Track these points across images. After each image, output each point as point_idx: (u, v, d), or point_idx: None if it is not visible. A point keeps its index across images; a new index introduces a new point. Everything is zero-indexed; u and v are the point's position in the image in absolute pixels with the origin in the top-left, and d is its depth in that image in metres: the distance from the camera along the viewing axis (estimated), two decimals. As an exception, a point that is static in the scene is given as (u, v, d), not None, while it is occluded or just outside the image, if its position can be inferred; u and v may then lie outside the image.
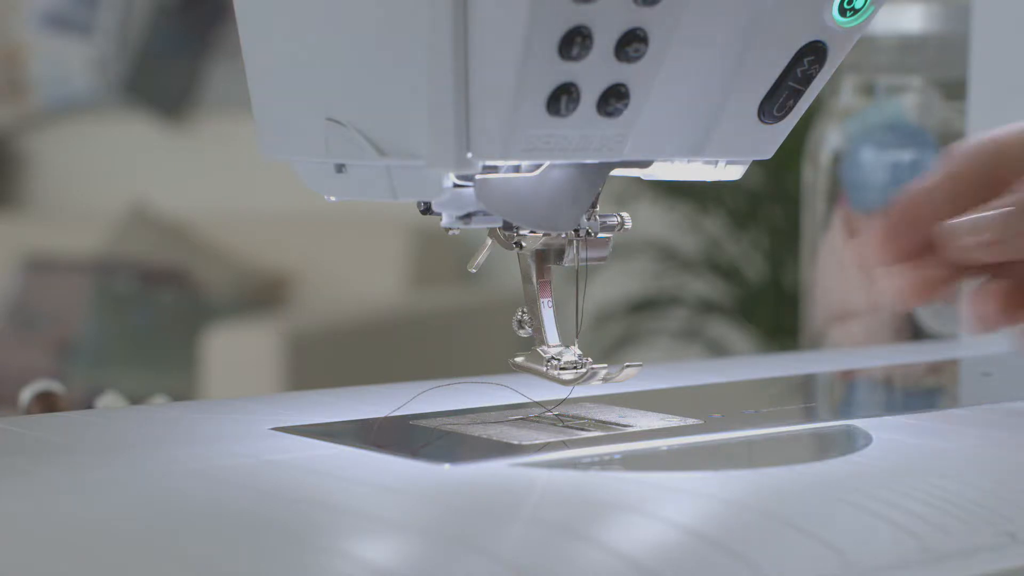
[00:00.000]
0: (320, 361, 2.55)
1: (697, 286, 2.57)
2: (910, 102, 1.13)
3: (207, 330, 2.57)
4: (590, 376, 0.67)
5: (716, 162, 0.67)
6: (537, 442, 0.62)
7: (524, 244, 0.67)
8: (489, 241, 0.68)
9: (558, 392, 0.68)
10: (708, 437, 0.64)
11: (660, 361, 1.50)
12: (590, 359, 0.67)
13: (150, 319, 3.07)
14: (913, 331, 1.09)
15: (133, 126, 3.53)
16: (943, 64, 1.12)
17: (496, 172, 0.62)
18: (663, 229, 2.55)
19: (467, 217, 0.65)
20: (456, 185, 0.62)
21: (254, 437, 0.62)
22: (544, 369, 0.67)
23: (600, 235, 0.67)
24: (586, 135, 0.60)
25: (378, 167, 0.62)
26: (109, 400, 0.82)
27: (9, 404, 1.06)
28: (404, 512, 0.51)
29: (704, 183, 0.68)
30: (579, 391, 0.68)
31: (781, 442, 0.65)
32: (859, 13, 0.64)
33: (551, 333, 0.67)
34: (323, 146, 0.63)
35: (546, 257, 0.67)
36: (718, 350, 2.54)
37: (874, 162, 1.11)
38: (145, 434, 0.63)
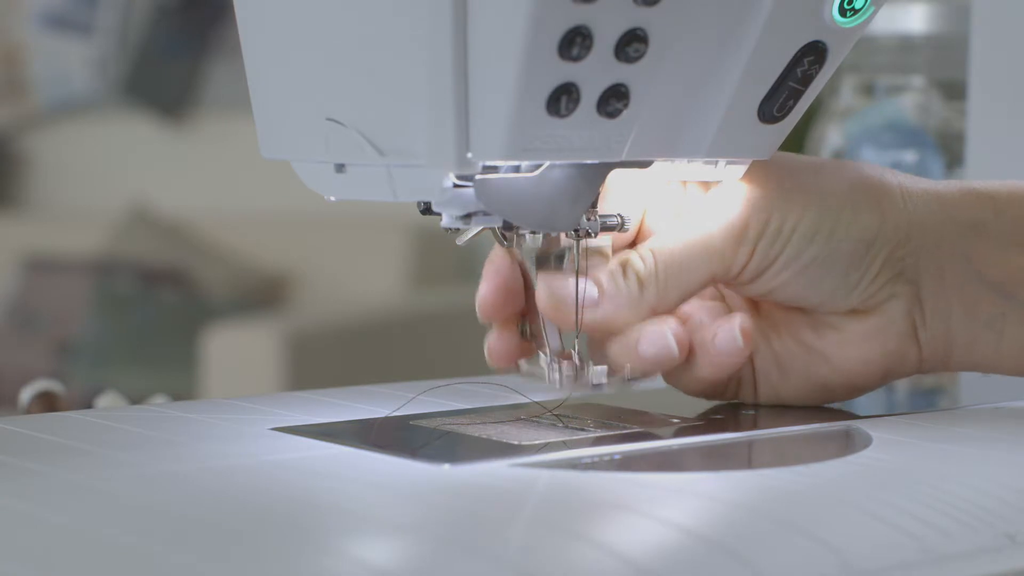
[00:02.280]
0: (320, 361, 2.55)
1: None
2: (910, 102, 1.13)
3: (207, 330, 2.57)
4: (591, 381, 0.67)
5: (716, 162, 0.67)
6: (537, 442, 0.62)
7: (521, 248, 0.67)
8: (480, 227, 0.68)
9: (558, 392, 0.68)
10: (708, 437, 0.64)
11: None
12: (591, 361, 0.67)
13: (150, 319, 3.07)
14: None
15: (133, 126, 3.53)
16: (943, 64, 1.12)
17: (496, 172, 0.62)
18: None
19: (467, 217, 0.65)
20: (456, 185, 0.62)
21: (254, 437, 0.62)
22: (545, 372, 0.67)
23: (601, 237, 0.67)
24: (586, 135, 0.60)
25: (378, 167, 0.62)
26: (109, 400, 0.82)
27: (9, 404, 1.07)
28: (404, 512, 0.51)
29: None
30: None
31: (781, 442, 0.65)
32: (859, 13, 0.64)
33: (552, 337, 0.67)
34: (323, 146, 0.63)
35: (546, 261, 0.67)
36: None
37: (874, 162, 1.11)
38: (145, 434, 0.63)
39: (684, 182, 0.70)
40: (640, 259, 0.67)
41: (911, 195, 0.68)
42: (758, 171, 0.68)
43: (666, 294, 0.67)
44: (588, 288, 0.67)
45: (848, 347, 0.68)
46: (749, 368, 0.70)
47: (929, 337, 0.68)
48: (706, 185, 0.69)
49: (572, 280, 0.66)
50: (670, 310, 0.68)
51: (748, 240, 0.66)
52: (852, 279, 0.67)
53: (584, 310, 0.66)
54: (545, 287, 0.66)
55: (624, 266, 0.67)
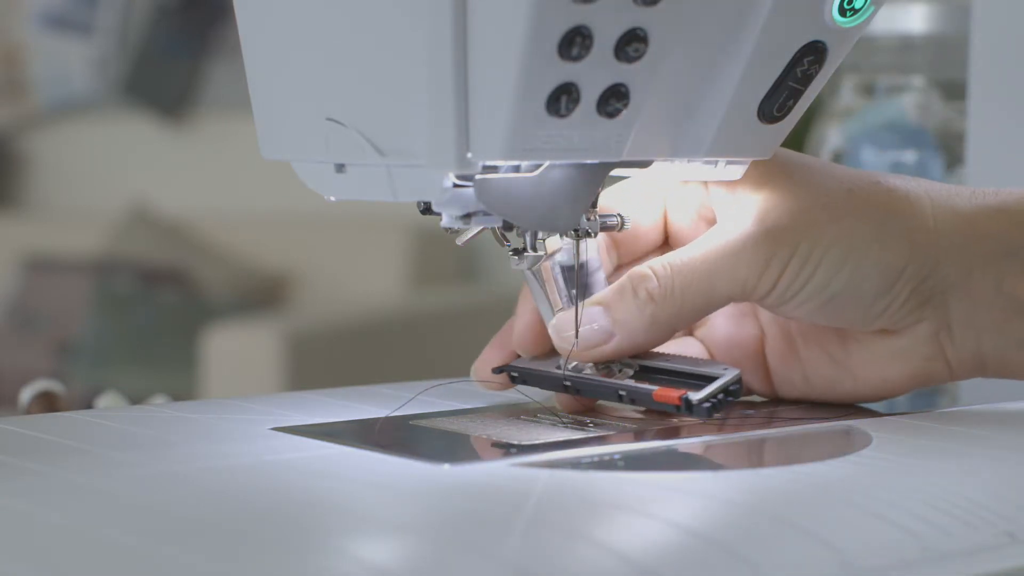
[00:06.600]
0: (320, 361, 2.55)
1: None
2: (910, 102, 1.13)
3: (207, 330, 2.57)
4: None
5: (716, 162, 0.67)
6: (537, 442, 0.62)
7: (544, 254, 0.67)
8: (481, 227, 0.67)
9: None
10: (708, 437, 0.64)
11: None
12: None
13: (150, 319, 3.07)
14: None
15: (133, 126, 3.53)
16: (943, 64, 1.12)
17: (496, 172, 0.62)
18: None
19: (467, 217, 0.65)
20: (456, 185, 0.62)
21: (254, 437, 0.62)
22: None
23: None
24: (586, 135, 0.60)
25: (378, 167, 0.62)
26: (109, 400, 0.82)
27: (9, 404, 1.07)
28: (404, 512, 0.51)
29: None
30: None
31: (781, 442, 0.65)
32: (859, 13, 0.64)
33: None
34: (323, 146, 0.63)
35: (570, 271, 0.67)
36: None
37: (874, 162, 1.11)
38: (145, 434, 0.63)
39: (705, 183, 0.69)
40: (655, 276, 0.66)
41: (941, 220, 0.67)
42: (788, 179, 0.67)
43: (680, 317, 0.66)
44: (596, 312, 0.66)
45: (874, 365, 0.69)
46: (763, 371, 0.70)
47: (958, 357, 0.68)
48: (729, 185, 0.68)
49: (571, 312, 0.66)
50: (681, 328, 0.68)
51: (773, 271, 0.66)
52: (877, 308, 0.67)
53: (590, 332, 0.66)
54: (553, 330, 0.67)
55: (636, 283, 0.67)
